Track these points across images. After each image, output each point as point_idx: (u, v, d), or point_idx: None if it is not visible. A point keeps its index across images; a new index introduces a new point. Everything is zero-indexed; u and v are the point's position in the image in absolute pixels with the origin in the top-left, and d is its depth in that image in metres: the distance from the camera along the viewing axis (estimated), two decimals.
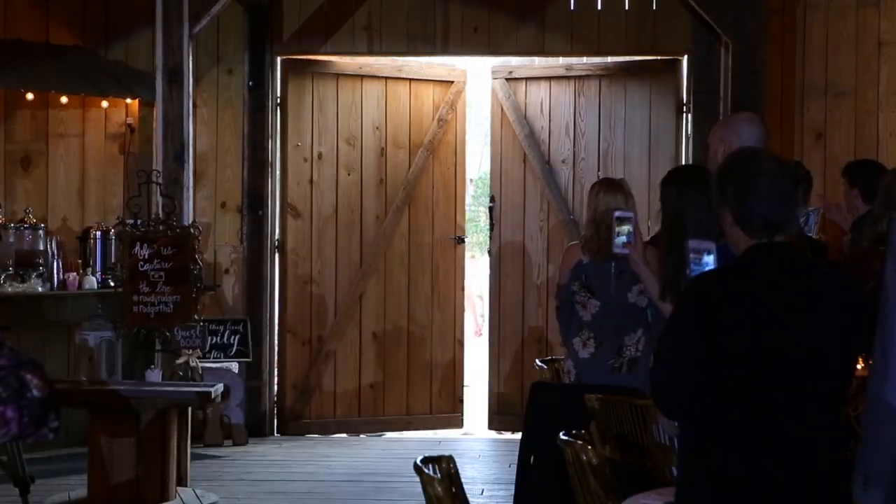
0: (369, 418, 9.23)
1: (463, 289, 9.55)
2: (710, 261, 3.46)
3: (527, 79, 9.42)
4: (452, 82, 9.47)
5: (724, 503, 3.09)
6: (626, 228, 4.41)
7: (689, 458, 3.23)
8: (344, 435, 9.16)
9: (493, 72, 9.55)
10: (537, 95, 9.32)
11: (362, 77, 9.22)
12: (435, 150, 9.40)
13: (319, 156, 9.12)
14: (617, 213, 4.53)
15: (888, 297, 2.85)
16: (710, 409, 3.11)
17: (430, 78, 9.42)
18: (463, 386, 9.57)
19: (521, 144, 9.34)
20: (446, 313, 9.41)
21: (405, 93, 9.36)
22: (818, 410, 3.07)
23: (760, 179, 3.12)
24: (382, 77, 9.26)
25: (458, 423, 9.48)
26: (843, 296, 3.09)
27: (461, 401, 9.49)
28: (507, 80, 9.43)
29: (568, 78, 9.27)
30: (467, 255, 10.89)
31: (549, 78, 9.35)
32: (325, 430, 9.12)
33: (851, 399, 3.58)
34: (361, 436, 9.15)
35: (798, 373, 3.05)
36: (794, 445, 3.05)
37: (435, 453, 3.38)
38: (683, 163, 8.62)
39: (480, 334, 10.38)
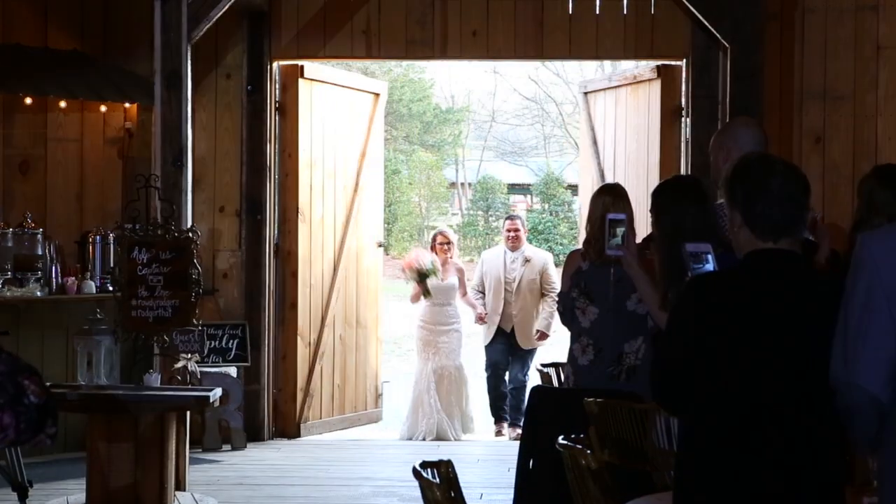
0: (337, 418, 9.51)
1: (381, 289, 10.02)
2: (709, 261, 3.46)
3: (592, 91, 9.90)
4: (378, 94, 9.91)
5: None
6: (619, 230, 4.41)
7: (685, 460, 3.22)
8: (338, 436, 9.33)
9: (578, 86, 10.40)
10: (597, 106, 9.74)
11: (337, 85, 9.48)
12: (374, 158, 9.87)
13: (314, 161, 9.21)
14: (610, 216, 4.53)
15: (847, 311, 2.87)
16: (705, 410, 3.12)
17: (369, 90, 9.89)
18: (382, 382, 10.07)
19: (587, 153, 9.83)
20: (373, 313, 9.89)
21: (364, 102, 9.75)
22: (814, 415, 3.07)
23: (771, 181, 3.14)
24: (343, 86, 9.58)
25: (379, 417, 9.97)
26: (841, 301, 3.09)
27: (380, 395, 9.99)
28: (584, 94, 10.00)
29: (609, 89, 9.66)
30: (466, 258, 10.83)
31: (605, 90, 9.76)
32: (323, 430, 9.31)
33: None
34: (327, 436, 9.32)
35: (794, 377, 3.06)
36: (788, 450, 3.05)
37: (434, 457, 3.37)
38: (683, 167, 8.63)
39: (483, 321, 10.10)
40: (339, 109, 9.45)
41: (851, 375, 2.84)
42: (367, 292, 9.84)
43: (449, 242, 10.02)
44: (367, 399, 9.84)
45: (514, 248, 9.93)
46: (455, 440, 9.41)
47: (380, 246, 10.09)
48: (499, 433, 9.76)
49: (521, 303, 9.78)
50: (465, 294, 9.94)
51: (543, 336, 9.81)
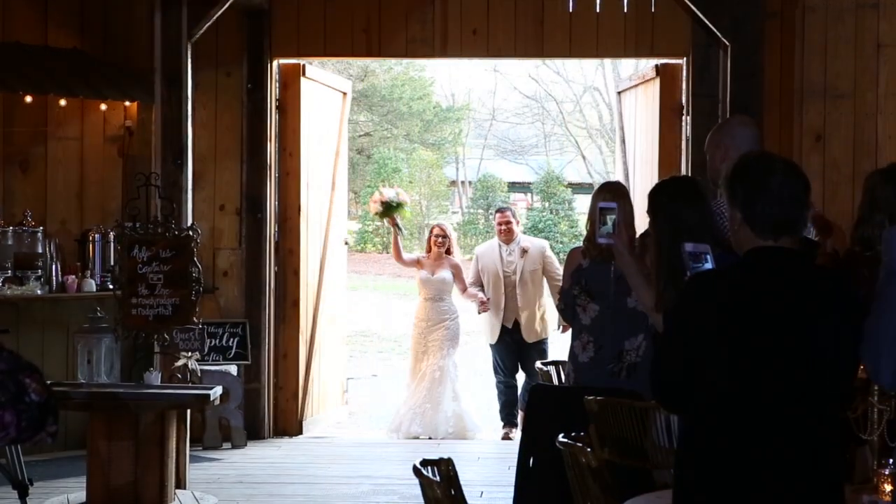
0: (321, 415, 9.57)
1: (346, 287, 10.11)
2: (708, 261, 3.46)
3: (622, 91, 9.95)
4: (346, 93, 9.92)
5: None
6: (609, 219, 4.40)
7: (685, 459, 3.22)
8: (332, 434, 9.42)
9: (614, 84, 10.66)
10: (626, 105, 9.80)
11: (320, 83, 9.52)
12: (343, 156, 9.94)
13: (308, 160, 9.26)
14: (601, 205, 4.53)
15: (879, 307, 2.90)
16: (705, 409, 3.11)
17: (339, 88, 9.91)
18: (347, 379, 10.10)
19: (618, 151, 9.98)
20: (341, 310, 9.95)
21: (336, 100, 9.77)
22: (814, 414, 3.07)
23: (771, 180, 3.13)
24: (323, 84, 9.63)
25: (344, 416, 10.05)
26: (843, 299, 3.09)
27: (345, 392, 10.09)
28: (618, 93, 10.12)
29: (630, 88, 9.69)
30: (465, 257, 10.78)
31: (628, 89, 9.79)
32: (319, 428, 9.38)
33: (850, 402, 3.57)
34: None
35: (794, 377, 3.05)
36: (788, 449, 3.04)
37: (434, 456, 3.37)
38: (683, 165, 8.63)
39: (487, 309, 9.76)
40: (321, 107, 9.45)
41: (878, 377, 2.88)
42: (338, 290, 9.87)
43: (445, 236, 9.72)
44: (337, 397, 9.88)
45: (507, 241, 9.62)
46: (438, 441, 9.14)
47: (345, 244, 10.11)
48: (506, 437, 9.39)
49: (526, 296, 9.45)
50: (464, 290, 9.70)
51: (567, 327, 9.35)
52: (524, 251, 9.56)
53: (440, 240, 9.68)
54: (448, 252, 9.71)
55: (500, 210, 10.18)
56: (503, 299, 9.50)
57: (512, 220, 9.75)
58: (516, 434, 9.18)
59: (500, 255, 9.62)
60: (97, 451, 6.46)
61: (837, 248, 5.06)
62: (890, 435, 3.60)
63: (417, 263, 9.71)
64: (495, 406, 9.79)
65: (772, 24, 8.19)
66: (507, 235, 9.64)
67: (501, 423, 9.68)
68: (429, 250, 9.76)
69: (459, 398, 9.52)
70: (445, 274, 9.56)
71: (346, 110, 9.91)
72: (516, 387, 9.64)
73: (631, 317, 5.41)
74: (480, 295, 9.58)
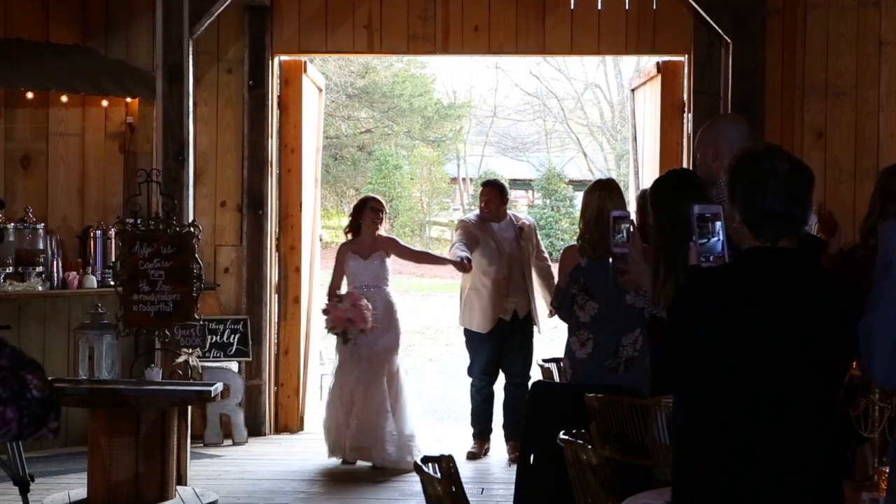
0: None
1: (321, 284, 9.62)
2: (718, 228, 3.30)
3: (634, 88, 9.94)
4: (322, 90, 9.80)
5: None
6: (623, 227, 4.41)
7: (683, 457, 3.22)
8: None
9: (627, 83, 10.90)
10: (637, 102, 9.81)
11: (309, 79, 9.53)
12: (320, 153, 9.84)
13: (306, 156, 9.27)
14: (614, 213, 4.53)
15: (873, 299, 2.90)
16: (703, 407, 3.11)
17: (319, 85, 9.76)
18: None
19: (631, 148, 9.99)
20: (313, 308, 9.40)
21: (316, 95, 9.64)
22: (813, 412, 3.06)
23: (773, 181, 3.08)
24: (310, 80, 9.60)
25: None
26: (839, 300, 3.08)
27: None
28: (631, 90, 10.09)
29: (640, 86, 9.65)
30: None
31: (638, 87, 9.76)
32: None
33: (851, 399, 3.57)
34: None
35: (792, 376, 3.04)
36: (786, 447, 3.04)
37: (435, 452, 3.38)
38: (685, 163, 8.63)
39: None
40: (308, 103, 9.38)
41: (870, 372, 2.87)
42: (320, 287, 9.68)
43: (384, 210, 8.13)
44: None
45: (494, 220, 8.12)
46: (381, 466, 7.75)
47: (319, 239, 10.00)
48: (473, 455, 8.08)
49: (536, 279, 8.19)
50: (420, 253, 8.89)
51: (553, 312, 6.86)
52: (521, 229, 8.18)
53: (380, 215, 8.05)
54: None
55: (483, 184, 8.67)
56: (507, 284, 8.02)
57: (494, 199, 8.15)
58: (489, 451, 8.13)
59: (492, 229, 8.12)
60: (98, 448, 6.47)
61: (843, 247, 5.05)
62: (891, 433, 3.60)
63: (346, 249, 8.00)
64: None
65: (773, 21, 8.18)
66: (490, 215, 8.16)
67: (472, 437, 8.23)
68: (356, 232, 7.99)
69: (407, 418, 7.87)
70: (383, 256, 7.97)
71: (322, 106, 9.80)
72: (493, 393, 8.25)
73: (628, 312, 5.44)
74: (453, 256, 8.06)
